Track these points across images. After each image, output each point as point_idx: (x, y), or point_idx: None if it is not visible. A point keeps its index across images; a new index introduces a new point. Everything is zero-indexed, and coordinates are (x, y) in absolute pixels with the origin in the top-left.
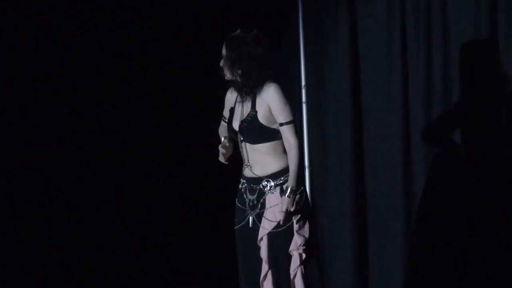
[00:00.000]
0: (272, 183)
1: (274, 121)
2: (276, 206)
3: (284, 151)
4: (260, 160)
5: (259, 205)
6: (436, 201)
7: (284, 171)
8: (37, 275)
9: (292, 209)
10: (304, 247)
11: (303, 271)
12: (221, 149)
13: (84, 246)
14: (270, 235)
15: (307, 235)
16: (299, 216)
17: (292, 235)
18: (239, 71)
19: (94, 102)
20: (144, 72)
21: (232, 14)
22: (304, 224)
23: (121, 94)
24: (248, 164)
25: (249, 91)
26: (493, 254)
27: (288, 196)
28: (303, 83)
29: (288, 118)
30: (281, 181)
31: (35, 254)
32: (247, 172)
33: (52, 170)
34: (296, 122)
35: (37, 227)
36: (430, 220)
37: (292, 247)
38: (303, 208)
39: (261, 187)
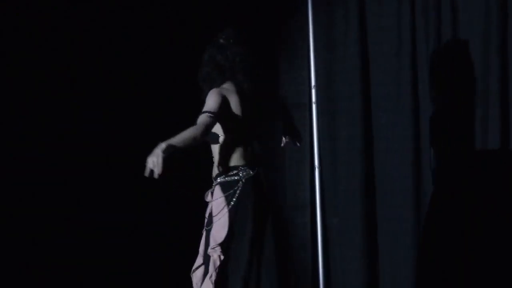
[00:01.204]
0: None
1: (224, 125)
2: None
3: (227, 154)
4: (214, 161)
5: None
6: (445, 201)
7: (222, 172)
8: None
9: (149, 163)
10: (218, 252)
11: (214, 279)
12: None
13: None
14: (206, 232)
15: (219, 240)
16: (219, 219)
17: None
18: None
19: (89, 101)
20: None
21: (242, 14)
22: (221, 229)
23: (118, 94)
24: None
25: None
26: (502, 254)
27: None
28: (312, 83)
29: (205, 108)
30: (219, 181)
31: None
32: None
33: (46, 170)
34: (214, 118)
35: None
36: (439, 220)
37: (209, 249)
38: (229, 215)
39: None
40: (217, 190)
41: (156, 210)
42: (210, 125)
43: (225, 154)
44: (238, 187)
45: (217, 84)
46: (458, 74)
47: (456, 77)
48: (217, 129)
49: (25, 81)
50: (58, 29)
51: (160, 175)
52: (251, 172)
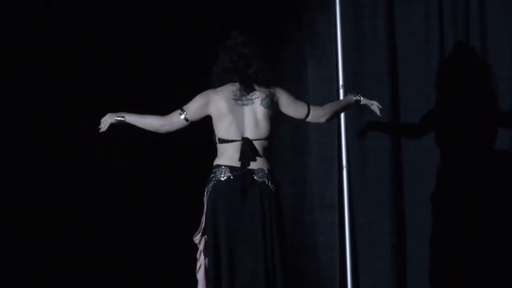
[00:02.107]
0: None
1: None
2: None
3: (219, 153)
4: None
5: None
6: (474, 200)
7: (211, 170)
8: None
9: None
10: (200, 246)
11: (196, 272)
12: None
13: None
14: None
15: (199, 229)
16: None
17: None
18: None
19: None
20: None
21: (270, 13)
22: (202, 218)
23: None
24: None
25: None
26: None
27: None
28: (340, 83)
29: (184, 106)
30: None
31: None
32: None
33: (46, 170)
34: (183, 117)
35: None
36: (469, 219)
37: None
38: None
39: None
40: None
41: (156, 210)
42: (175, 122)
43: (219, 152)
44: (210, 186)
45: (218, 84)
46: (486, 74)
47: (484, 77)
48: (215, 128)
49: (25, 81)
50: (59, 29)
51: (103, 133)
52: (229, 174)
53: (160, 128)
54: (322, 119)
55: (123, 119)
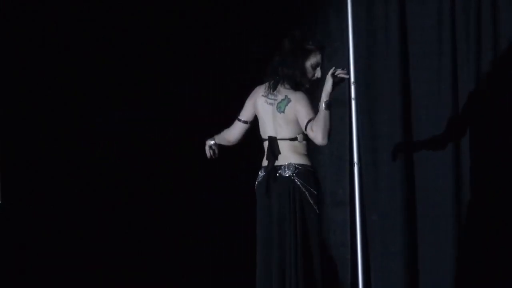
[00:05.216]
0: None
1: None
2: None
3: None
4: None
5: None
6: (485, 199)
7: None
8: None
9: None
10: None
11: None
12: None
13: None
14: None
15: None
16: None
17: None
18: None
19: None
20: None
21: (283, 11)
22: None
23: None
24: None
25: None
26: None
27: None
28: (352, 79)
29: None
30: None
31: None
32: None
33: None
34: (239, 121)
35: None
36: (480, 218)
37: None
38: None
39: None
40: None
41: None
42: (236, 130)
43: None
44: (255, 188)
45: (265, 79)
46: (499, 72)
47: (498, 75)
48: None
49: (26, 81)
50: (68, 28)
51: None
52: (261, 175)
53: (231, 141)
54: (318, 141)
55: (214, 141)
